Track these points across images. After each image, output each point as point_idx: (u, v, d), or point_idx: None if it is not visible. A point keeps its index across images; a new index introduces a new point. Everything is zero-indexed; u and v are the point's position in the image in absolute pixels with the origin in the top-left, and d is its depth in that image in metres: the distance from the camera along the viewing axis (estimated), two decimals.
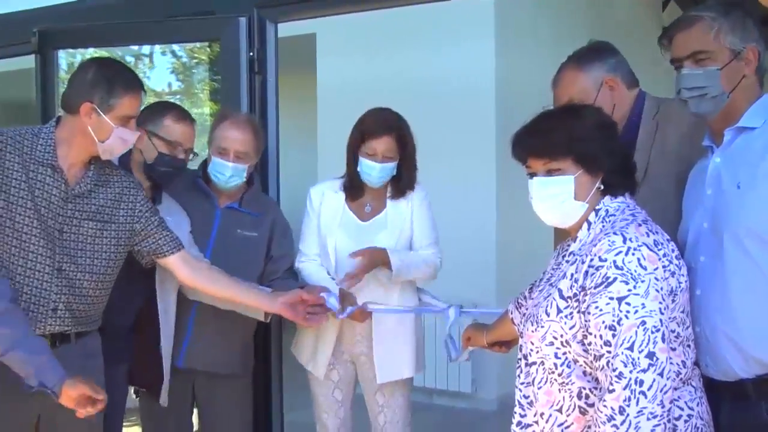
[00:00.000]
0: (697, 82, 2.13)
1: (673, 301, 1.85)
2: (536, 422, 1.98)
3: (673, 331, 1.87)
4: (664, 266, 1.84)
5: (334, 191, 3.26)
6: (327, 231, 3.20)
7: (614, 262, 1.81)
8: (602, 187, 1.97)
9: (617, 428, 1.76)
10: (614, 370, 1.77)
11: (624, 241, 1.83)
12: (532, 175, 2.04)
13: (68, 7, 4.18)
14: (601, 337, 1.83)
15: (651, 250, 1.83)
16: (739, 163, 2.06)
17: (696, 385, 1.97)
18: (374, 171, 3.13)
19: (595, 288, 1.84)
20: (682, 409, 1.90)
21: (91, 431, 2.62)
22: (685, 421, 1.90)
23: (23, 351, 2.28)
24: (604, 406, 1.79)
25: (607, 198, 1.98)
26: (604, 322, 1.82)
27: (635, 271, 1.80)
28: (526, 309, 2.15)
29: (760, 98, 2.12)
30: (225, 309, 2.98)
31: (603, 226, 1.93)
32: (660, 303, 1.79)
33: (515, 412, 2.03)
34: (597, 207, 1.97)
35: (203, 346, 3.07)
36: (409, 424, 3.28)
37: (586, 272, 1.87)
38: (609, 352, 1.81)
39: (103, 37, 3.94)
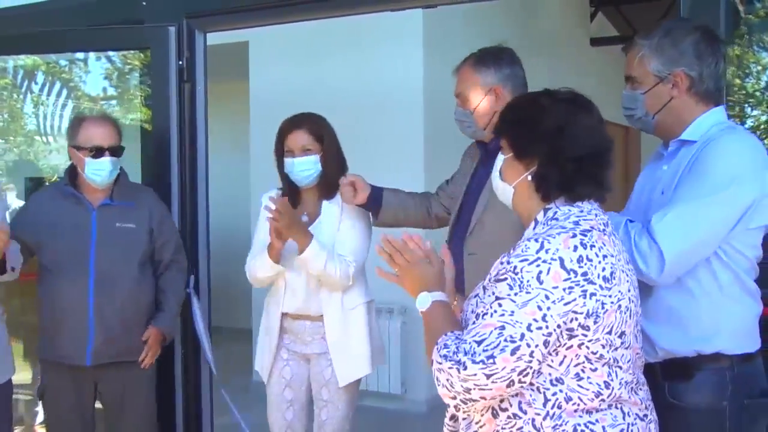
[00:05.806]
0: (626, 103, 2.32)
1: (594, 322, 1.76)
2: (463, 419, 1.94)
3: (595, 353, 1.79)
4: (575, 286, 1.74)
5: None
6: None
7: (515, 267, 1.76)
8: (530, 178, 1.91)
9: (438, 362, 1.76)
10: (457, 348, 1.75)
11: (538, 251, 1.75)
12: None
13: None
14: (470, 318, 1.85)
15: (563, 267, 1.74)
16: (674, 172, 2.21)
17: (627, 411, 1.85)
18: (293, 167, 3.17)
19: (489, 282, 1.85)
20: None
21: None
22: None
23: None
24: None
25: (562, 199, 1.89)
26: (473, 311, 1.86)
27: (528, 281, 1.73)
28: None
29: (705, 113, 2.22)
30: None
31: (543, 229, 1.85)
32: (536, 321, 1.71)
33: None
34: (548, 207, 1.89)
35: (107, 340, 3.19)
36: (349, 421, 3.29)
37: (497, 271, 1.82)
38: (462, 333, 1.81)
39: (31, 44, 3.96)
